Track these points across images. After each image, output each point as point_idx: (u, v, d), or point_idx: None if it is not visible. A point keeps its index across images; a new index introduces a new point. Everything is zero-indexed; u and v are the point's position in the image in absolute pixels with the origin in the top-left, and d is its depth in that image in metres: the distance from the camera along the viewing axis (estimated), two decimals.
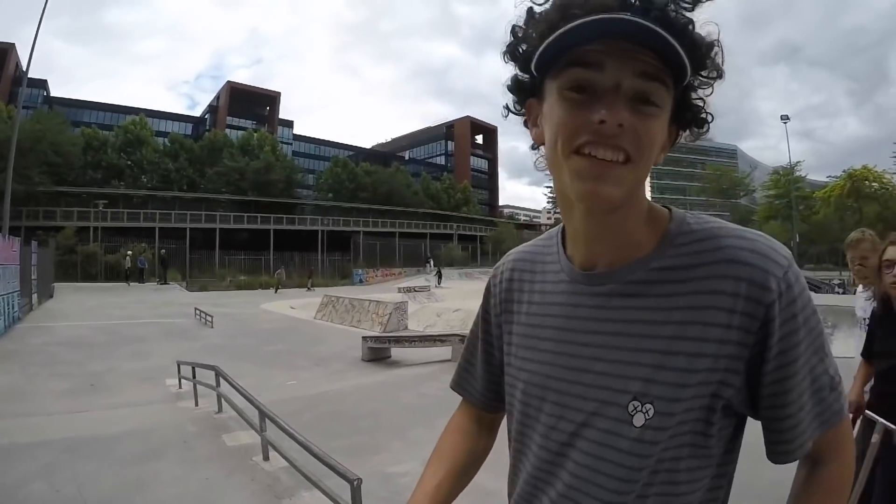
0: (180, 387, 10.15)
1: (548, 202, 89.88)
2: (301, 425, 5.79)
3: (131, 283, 34.80)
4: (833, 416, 0.98)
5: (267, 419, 6.04)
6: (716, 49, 0.89)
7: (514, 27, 0.96)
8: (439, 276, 40.29)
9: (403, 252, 57.87)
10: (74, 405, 8.98)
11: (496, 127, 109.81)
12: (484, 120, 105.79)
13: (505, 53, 0.99)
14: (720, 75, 0.92)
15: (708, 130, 0.99)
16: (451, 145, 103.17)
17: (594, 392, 0.98)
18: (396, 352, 13.61)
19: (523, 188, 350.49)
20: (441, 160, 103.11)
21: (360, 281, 45.27)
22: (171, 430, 7.62)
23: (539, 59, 0.88)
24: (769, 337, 0.90)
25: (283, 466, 6.05)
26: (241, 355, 13.52)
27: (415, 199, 73.20)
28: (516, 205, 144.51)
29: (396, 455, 6.75)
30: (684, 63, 0.82)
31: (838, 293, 25.99)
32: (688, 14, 0.85)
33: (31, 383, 10.27)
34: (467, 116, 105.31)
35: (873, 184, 59.47)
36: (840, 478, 1.02)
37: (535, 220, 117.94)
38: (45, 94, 60.62)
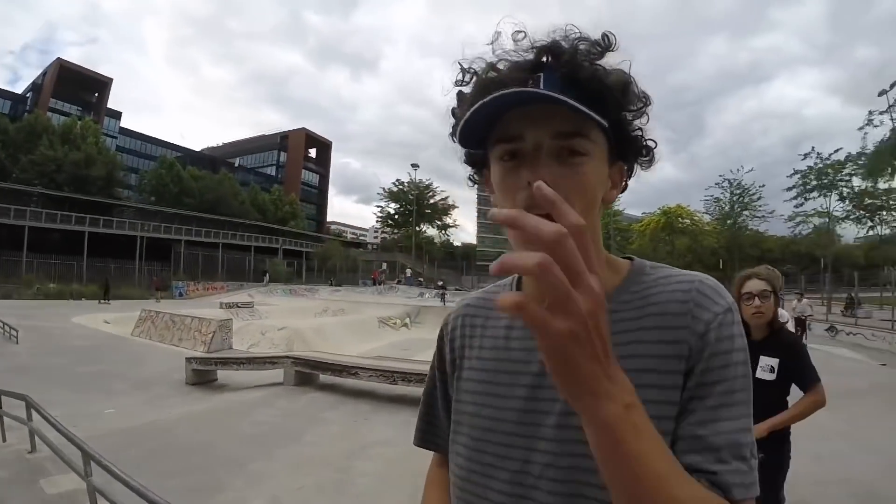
0: None
1: (377, 221, 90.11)
2: (128, 464, 5.38)
3: None
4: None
5: (92, 462, 5.55)
6: (631, 85, 0.96)
7: (452, 109, 1.06)
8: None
9: (227, 265, 55.72)
10: None
11: (331, 142, 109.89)
12: (320, 134, 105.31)
13: (451, 135, 1.04)
14: (646, 102, 0.99)
15: (652, 158, 1.07)
16: (283, 156, 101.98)
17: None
18: (223, 374, 13.05)
19: (352, 205, 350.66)
20: (272, 171, 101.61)
21: (181, 294, 43.07)
22: None
23: (465, 138, 0.97)
24: (694, 369, 0.94)
25: None
26: (51, 377, 12.54)
27: (242, 209, 71.02)
28: (344, 222, 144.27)
29: (239, 493, 6.45)
30: (593, 115, 0.87)
31: None
32: (598, 62, 0.93)
33: None
34: (304, 128, 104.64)
35: (685, 220, 66.68)
36: None
37: (361, 238, 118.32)
38: None
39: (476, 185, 1.19)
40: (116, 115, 79.08)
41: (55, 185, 52.56)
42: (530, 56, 0.93)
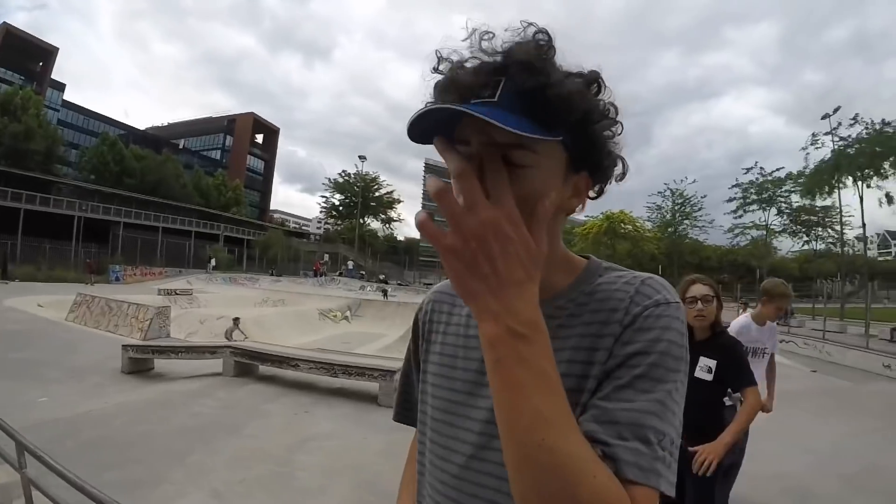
0: None
1: (321, 212, 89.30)
2: (64, 456, 5.25)
3: None
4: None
5: (26, 452, 5.42)
6: (589, 97, 0.98)
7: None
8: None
9: (166, 250, 54.16)
10: None
11: (279, 128, 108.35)
12: (268, 119, 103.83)
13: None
14: (612, 114, 1.02)
15: (624, 169, 1.10)
16: (230, 140, 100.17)
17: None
18: (160, 363, 12.77)
19: (296, 194, 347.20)
20: (217, 154, 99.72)
21: (117, 279, 41.81)
22: None
23: (415, 137, 0.96)
24: (612, 351, 0.98)
25: None
26: None
27: (183, 192, 69.30)
28: (288, 211, 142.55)
29: (179, 487, 6.37)
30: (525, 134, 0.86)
31: None
32: (559, 72, 0.95)
33: None
34: (251, 113, 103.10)
35: (627, 226, 69.34)
36: None
37: (304, 228, 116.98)
38: None
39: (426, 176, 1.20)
40: (60, 87, 76.24)
41: None
42: (496, 59, 0.94)
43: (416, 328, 1.38)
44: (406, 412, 1.46)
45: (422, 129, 0.93)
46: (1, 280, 32.54)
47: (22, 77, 67.18)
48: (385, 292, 36.83)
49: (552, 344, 0.92)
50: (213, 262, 52.86)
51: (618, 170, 1.09)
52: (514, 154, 0.92)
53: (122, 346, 12.86)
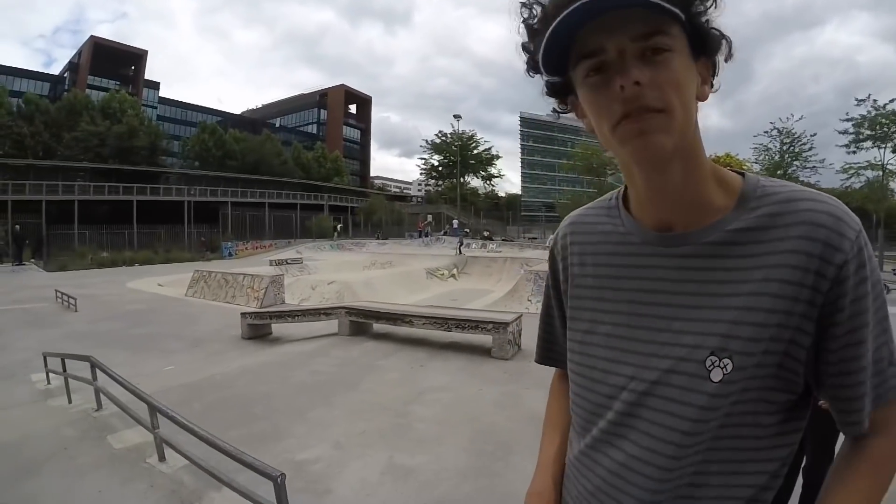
0: (48, 382, 9.22)
1: (420, 174, 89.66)
2: (191, 416, 5.40)
3: None
4: (890, 391, 1.02)
5: (158, 414, 5.60)
6: None
7: (523, 45, 1.07)
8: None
9: (274, 224, 55.76)
10: None
11: (370, 97, 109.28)
12: (358, 89, 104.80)
13: (527, 71, 1.08)
14: None
15: (731, 48, 1.04)
16: (323, 114, 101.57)
17: (670, 349, 1.04)
18: (277, 328, 13.15)
19: (393, 159, 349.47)
20: (313, 129, 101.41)
21: (230, 254, 43.30)
22: (46, 438, 6.85)
23: (547, 61, 0.99)
24: (840, 298, 0.96)
25: (182, 466, 5.64)
26: (110, 341, 12.63)
27: (285, 168, 71.00)
28: (387, 176, 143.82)
29: (302, 440, 6.48)
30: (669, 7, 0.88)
31: None
32: None
33: None
34: (342, 85, 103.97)
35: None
36: (888, 452, 1.04)
37: (405, 191, 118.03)
38: None
39: (561, 115, 1.18)
40: (155, 86, 79.33)
41: (100, 158, 53.13)
42: None
43: (553, 263, 1.36)
44: (549, 353, 1.46)
45: (549, 48, 0.96)
46: (17, 263, 33.19)
47: (117, 82, 70.38)
48: (461, 244, 36.03)
49: (730, 275, 1.01)
50: (338, 229, 54.69)
51: (724, 51, 1.05)
52: (656, 40, 0.92)
53: (241, 314, 13.31)
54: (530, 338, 10.08)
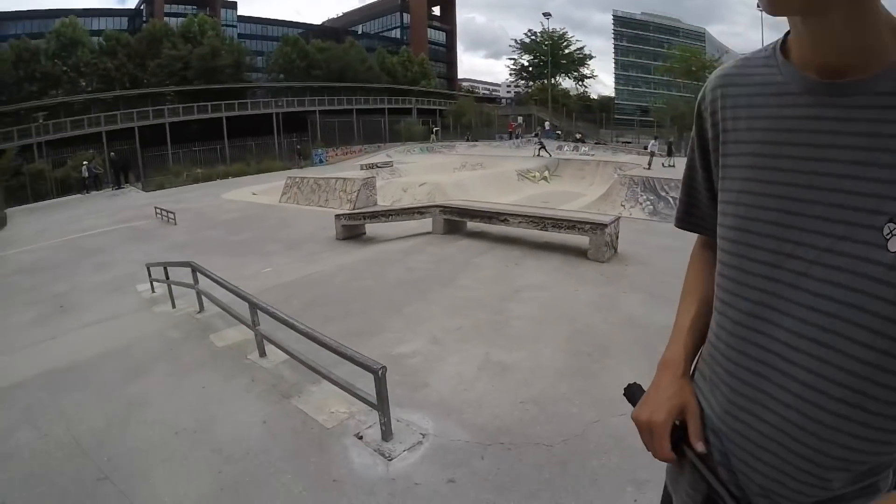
0: (153, 291, 9.60)
1: (510, 75, 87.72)
2: (291, 313, 5.41)
3: (86, 193, 32.71)
4: None
5: (259, 311, 5.62)
6: None
7: None
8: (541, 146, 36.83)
9: (363, 129, 55.91)
10: (45, 333, 8.19)
11: None
12: None
13: None
14: None
15: None
16: (406, 18, 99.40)
17: (841, 213, 0.90)
18: (371, 229, 13.18)
19: (480, 62, 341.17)
20: (396, 34, 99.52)
21: (321, 161, 43.77)
22: (152, 341, 7.16)
23: None
24: None
25: (282, 361, 5.74)
26: (209, 249, 13.02)
27: (370, 74, 70.20)
28: (475, 78, 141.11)
29: (398, 334, 6.49)
30: None
31: None
32: None
33: None
34: None
35: None
36: None
37: (494, 93, 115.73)
38: None
39: None
40: (232, 6, 78.79)
41: (186, 81, 54.03)
42: None
43: (700, 121, 1.21)
44: (690, 217, 1.35)
45: None
46: (117, 187, 33.99)
47: (194, 7, 70.10)
48: (542, 147, 34.96)
49: None
50: (434, 132, 54.88)
51: None
52: None
53: (336, 215, 13.36)
54: (628, 242, 9.82)
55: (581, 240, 9.66)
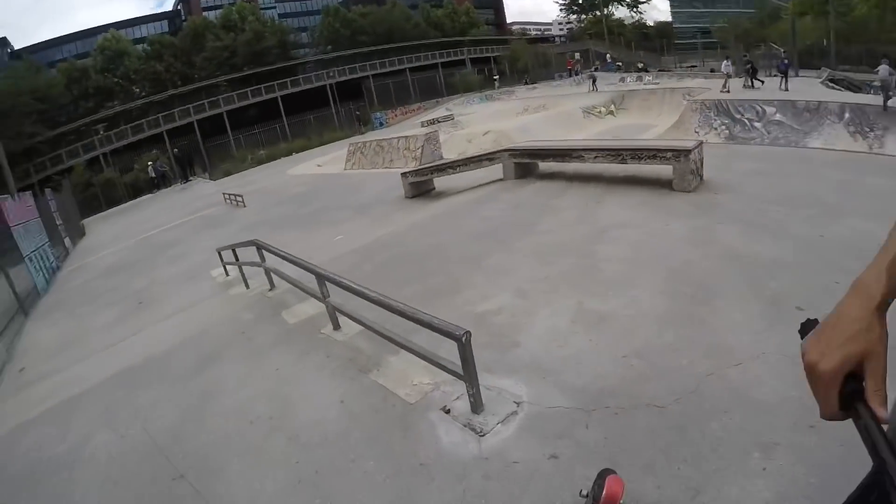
0: (227, 275, 9.36)
1: (560, 11, 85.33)
2: (364, 279, 5.02)
3: (156, 192, 33.54)
4: None
5: (327, 283, 5.21)
6: None
7: None
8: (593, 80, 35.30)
9: (418, 86, 55.30)
10: (126, 330, 8.10)
11: None
12: None
13: None
14: None
15: None
16: None
17: None
18: (440, 183, 12.67)
19: (528, 3, 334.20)
20: None
21: (381, 124, 43.30)
22: (224, 326, 6.90)
23: None
24: None
25: (357, 332, 5.33)
26: (279, 225, 12.87)
27: (418, 31, 69.07)
28: (524, 20, 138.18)
29: (480, 290, 6.00)
30: None
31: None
32: None
33: (81, 325, 9.22)
34: None
35: None
36: None
37: (546, 32, 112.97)
38: (8, 50, 56.20)
39: None
40: None
41: (235, 69, 54.67)
42: None
43: None
44: None
45: None
46: (185, 181, 34.19)
47: None
48: (593, 81, 33.43)
49: None
50: (498, 79, 53.97)
51: None
52: None
53: (402, 173, 12.91)
54: (712, 168, 9.05)
55: (663, 170, 8.92)
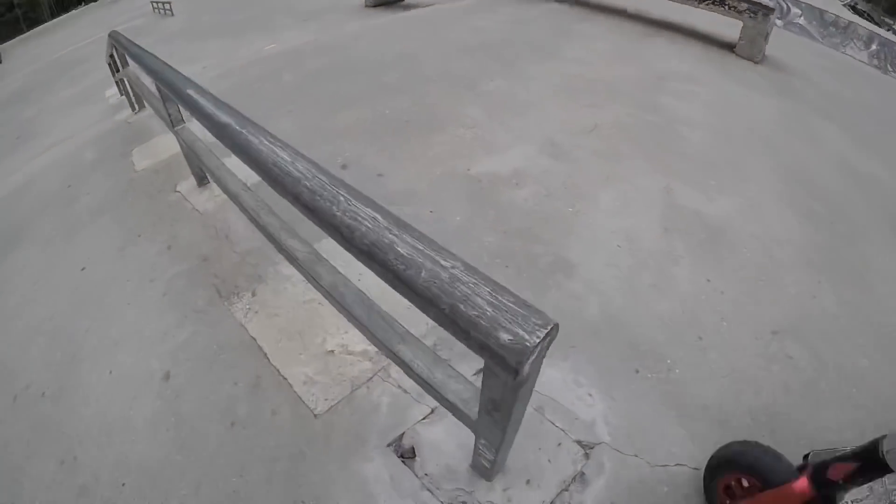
0: (121, 94, 6.66)
1: None
2: (277, 93, 3.69)
3: (84, 5, 30.58)
4: None
5: (186, 93, 2.32)
6: None
7: None
8: None
9: None
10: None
11: None
12: None
13: None
14: None
15: None
16: None
17: None
18: None
19: None
20: None
21: None
22: (58, 172, 4.32)
23: None
24: None
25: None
26: (204, 33, 10.94)
27: None
28: None
29: (478, 131, 3.62)
30: None
31: None
32: None
33: None
34: None
35: None
36: None
37: None
38: None
39: None
40: None
41: None
42: None
43: None
44: None
45: None
46: None
47: None
48: None
49: None
50: None
51: None
52: None
53: None
54: (774, 46, 6.34)
55: (723, 26, 6.45)
